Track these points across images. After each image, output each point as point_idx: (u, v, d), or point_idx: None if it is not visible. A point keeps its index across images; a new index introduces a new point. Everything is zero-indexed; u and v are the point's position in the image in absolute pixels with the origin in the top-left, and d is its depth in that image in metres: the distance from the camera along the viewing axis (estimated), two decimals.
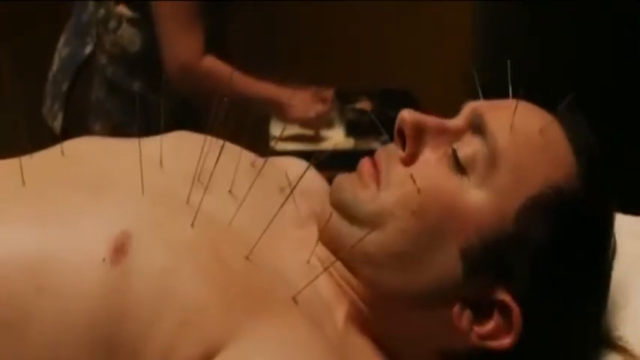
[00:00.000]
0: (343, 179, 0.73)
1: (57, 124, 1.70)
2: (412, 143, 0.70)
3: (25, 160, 0.71)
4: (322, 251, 0.72)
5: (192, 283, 0.63)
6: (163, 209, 0.67)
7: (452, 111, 0.75)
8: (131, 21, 1.67)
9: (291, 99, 1.76)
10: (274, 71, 1.90)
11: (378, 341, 0.71)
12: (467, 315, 0.67)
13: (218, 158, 0.71)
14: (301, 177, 0.72)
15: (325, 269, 0.70)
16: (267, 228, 0.67)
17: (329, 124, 2.00)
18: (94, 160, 0.73)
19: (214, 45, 1.71)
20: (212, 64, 1.66)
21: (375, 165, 0.72)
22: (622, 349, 0.75)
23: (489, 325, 0.67)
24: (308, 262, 0.71)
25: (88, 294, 0.61)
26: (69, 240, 0.64)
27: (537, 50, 1.85)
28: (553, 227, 0.66)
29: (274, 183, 0.77)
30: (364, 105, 2.11)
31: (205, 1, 1.65)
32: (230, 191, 0.73)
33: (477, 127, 0.69)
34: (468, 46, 2.22)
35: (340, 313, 0.70)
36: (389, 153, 0.72)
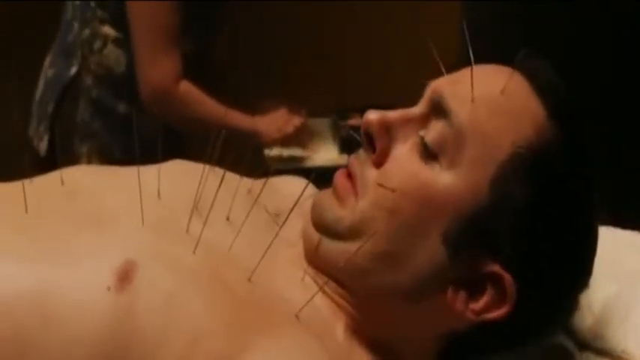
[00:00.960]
0: (322, 197, 0.74)
1: (42, 146, 1.69)
2: (381, 142, 0.70)
3: (26, 185, 0.72)
4: (313, 269, 0.74)
5: (197, 304, 0.64)
6: (164, 238, 0.69)
7: None
8: (116, 41, 1.65)
9: (266, 124, 1.76)
10: (262, 91, 1.91)
11: (381, 344, 0.72)
12: (461, 295, 0.68)
13: (219, 188, 0.72)
14: (299, 197, 0.73)
15: (320, 289, 0.71)
16: (265, 253, 0.69)
17: (311, 139, 2.01)
18: (93, 192, 0.74)
19: (200, 63, 1.70)
20: (188, 89, 1.64)
21: (349, 175, 0.73)
22: None
23: (484, 299, 0.68)
24: (302, 279, 0.73)
25: (95, 322, 0.62)
26: (73, 273, 0.64)
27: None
28: (530, 185, 0.66)
29: (271, 207, 0.78)
30: (357, 121, 2.11)
31: (191, 21, 1.63)
32: (228, 218, 0.74)
33: (439, 108, 0.69)
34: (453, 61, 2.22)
35: (339, 327, 0.72)
36: (361, 160, 0.72)
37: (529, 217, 0.66)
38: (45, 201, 0.71)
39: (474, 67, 0.69)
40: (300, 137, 1.89)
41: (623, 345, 0.78)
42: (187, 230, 0.70)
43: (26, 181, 0.75)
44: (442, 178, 0.67)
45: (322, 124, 2.16)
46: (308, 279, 0.73)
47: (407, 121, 0.71)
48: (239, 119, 1.72)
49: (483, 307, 0.68)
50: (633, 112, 1.61)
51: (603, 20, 1.66)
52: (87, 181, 0.76)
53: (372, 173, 0.71)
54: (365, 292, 0.71)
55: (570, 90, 0.71)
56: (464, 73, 0.71)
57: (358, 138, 0.74)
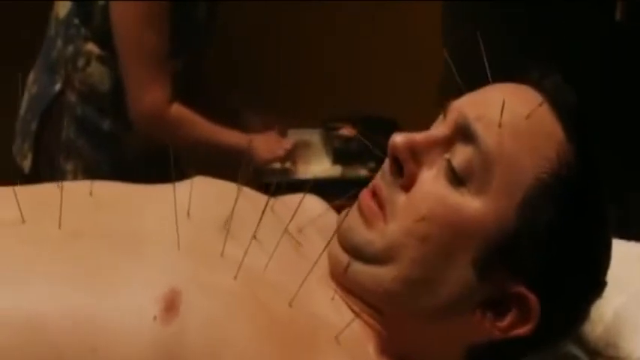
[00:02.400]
0: (348, 218, 0.74)
1: (26, 164, 1.66)
2: (408, 167, 0.71)
3: (54, 190, 0.73)
4: (344, 288, 0.75)
5: (243, 332, 0.65)
6: (203, 263, 0.69)
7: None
8: (100, 59, 1.63)
9: (257, 142, 1.76)
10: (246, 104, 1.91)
11: None
12: (488, 316, 0.71)
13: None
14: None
15: (356, 315, 0.73)
16: (305, 278, 0.70)
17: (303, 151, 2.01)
18: (124, 208, 0.74)
19: (188, 82, 1.68)
20: (180, 112, 1.63)
21: (375, 196, 0.73)
22: None
23: (509, 318, 0.70)
24: (332, 299, 0.74)
25: (142, 353, 0.62)
26: (117, 299, 0.64)
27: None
28: (554, 209, 0.68)
29: (293, 224, 0.78)
30: (348, 131, 2.10)
31: (178, 39, 1.62)
32: (255, 237, 0.73)
33: (465, 133, 0.70)
34: (440, 69, 2.24)
35: (370, 347, 0.73)
36: (388, 182, 0.73)
37: (552, 239, 0.69)
38: (77, 216, 0.71)
39: (494, 86, 0.72)
40: (291, 155, 1.89)
41: (637, 353, 0.80)
42: (222, 253, 0.70)
43: (54, 186, 0.75)
44: (471, 204, 0.69)
45: (312, 135, 2.15)
46: (337, 298, 0.74)
47: (432, 145, 0.71)
48: (231, 138, 1.71)
49: (509, 326, 0.71)
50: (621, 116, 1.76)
51: (572, 18, 1.82)
52: (116, 197, 0.77)
53: (400, 197, 0.72)
54: (394, 314, 0.73)
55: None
56: (486, 94, 0.73)
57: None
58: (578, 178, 0.70)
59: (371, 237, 0.72)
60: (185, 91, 1.65)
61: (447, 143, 0.72)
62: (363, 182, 2.09)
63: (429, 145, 0.71)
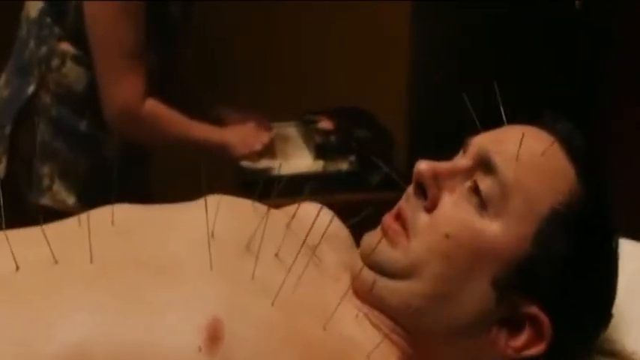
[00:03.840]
0: (370, 239, 0.79)
1: (1, 168, 1.62)
2: (432, 190, 0.76)
3: (76, 228, 0.75)
4: (366, 305, 0.78)
5: None
6: (238, 288, 0.71)
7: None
8: (75, 59, 1.60)
9: (234, 136, 1.72)
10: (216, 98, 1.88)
11: None
12: (502, 334, 0.75)
13: (265, 223, 0.75)
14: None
15: (385, 336, 0.75)
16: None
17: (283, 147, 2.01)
18: (148, 234, 0.76)
19: (163, 80, 1.65)
20: (154, 108, 1.60)
21: (399, 218, 0.78)
22: None
23: (522, 338, 0.75)
24: (357, 316, 0.76)
25: None
26: (161, 329, 0.66)
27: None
28: (567, 239, 0.74)
29: (308, 239, 0.80)
30: (326, 124, 2.08)
31: (153, 37, 1.59)
32: (276, 255, 0.76)
33: (486, 164, 0.76)
34: (407, 59, 2.26)
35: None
36: (411, 205, 0.78)
37: (566, 266, 0.74)
38: (104, 248, 0.72)
39: (512, 127, 0.79)
40: (270, 149, 1.86)
41: (633, 347, 0.84)
42: (253, 276, 0.72)
43: (74, 222, 0.78)
44: (491, 227, 0.74)
45: (290, 129, 2.13)
46: (361, 316, 0.77)
47: (455, 173, 0.77)
48: (207, 133, 1.69)
49: (522, 346, 0.75)
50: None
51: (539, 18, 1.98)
52: (136, 223, 0.78)
53: (423, 218, 0.76)
54: (416, 330, 0.76)
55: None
56: (505, 132, 0.79)
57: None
58: (588, 212, 0.75)
59: (395, 255, 0.76)
60: (160, 90, 1.62)
61: (467, 173, 0.77)
62: (344, 176, 2.09)
63: (452, 174, 0.77)
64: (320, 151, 1.99)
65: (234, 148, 1.71)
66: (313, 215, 0.82)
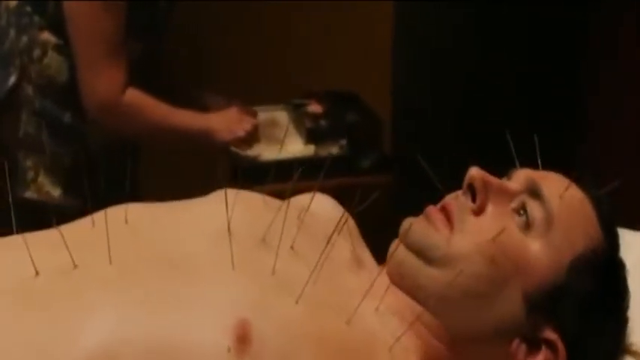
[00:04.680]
0: (415, 225, 0.81)
1: None
2: (481, 196, 0.81)
3: (89, 230, 0.76)
4: (390, 297, 0.78)
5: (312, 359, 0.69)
6: (263, 286, 0.72)
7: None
8: (57, 48, 1.56)
9: (218, 122, 1.69)
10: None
11: None
12: (522, 348, 0.79)
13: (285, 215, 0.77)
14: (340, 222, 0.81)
15: (412, 324, 0.77)
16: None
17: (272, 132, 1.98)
18: (161, 233, 0.77)
19: (146, 66, 1.62)
20: (134, 98, 1.56)
21: (444, 211, 0.81)
22: (636, 354, 0.88)
23: (541, 356, 0.79)
24: (377, 309, 0.77)
25: None
26: (188, 330, 0.67)
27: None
28: (593, 280, 0.80)
29: (321, 231, 0.82)
30: (315, 108, 2.07)
31: (135, 25, 1.55)
32: (292, 247, 0.77)
33: (534, 191, 0.81)
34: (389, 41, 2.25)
35: (416, 357, 0.78)
36: (460, 204, 0.81)
37: (591, 304, 0.80)
38: (121, 248, 0.72)
39: (553, 173, 0.85)
40: (255, 136, 1.82)
41: (630, 338, 0.86)
42: (273, 272, 0.73)
43: (87, 224, 0.78)
44: (534, 245, 0.79)
45: (280, 114, 2.11)
46: (382, 308, 0.78)
47: (504, 191, 0.82)
48: (190, 120, 1.65)
49: None
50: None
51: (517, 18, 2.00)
52: (149, 220, 0.79)
53: (470, 218, 0.80)
54: (446, 323, 0.79)
55: None
56: (548, 173, 0.85)
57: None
58: (609, 264, 0.82)
59: (437, 239, 0.79)
60: (145, 80, 1.59)
61: (514, 195, 0.82)
62: (335, 160, 2.06)
63: (501, 190, 0.81)
64: (311, 136, 1.98)
65: (217, 134, 1.68)
66: (323, 206, 0.86)
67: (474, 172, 0.82)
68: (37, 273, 0.71)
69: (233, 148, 1.91)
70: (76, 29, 1.51)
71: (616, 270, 0.83)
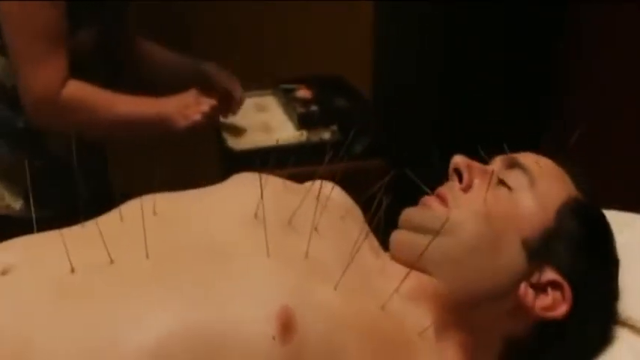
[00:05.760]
0: (413, 210, 0.89)
1: None
2: (467, 175, 0.90)
3: (120, 224, 0.78)
4: (410, 280, 0.81)
5: (353, 343, 0.71)
6: (300, 272, 0.74)
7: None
8: (2, 50, 1.43)
9: (171, 107, 1.52)
10: None
11: (461, 347, 0.84)
12: (530, 292, 0.84)
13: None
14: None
15: (425, 307, 0.82)
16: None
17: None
18: (189, 222, 0.78)
19: (108, 53, 1.53)
20: (74, 91, 1.42)
21: (437, 196, 0.89)
22: (632, 328, 0.91)
23: (548, 299, 0.84)
24: (397, 291, 0.80)
25: None
26: (232, 319, 0.68)
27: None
28: (578, 222, 0.87)
29: (337, 213, 0.88)
30: (304, 93, 2.04)
31: (78, 12, 1.43)
32: (316, 229, 0.81)
33: (513, 164, 0.91)
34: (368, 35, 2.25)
35: (431, 331, 0.82)
36: (449, 186, 0.90)
37: (579, 243, 0.87)
38: (153, 240, 0.73)
39: (526, 152, 0.94)
40: (214, 116, 1.64)
41: (628, 312, 0.90)
42: (307, 255, 0.76)
43: (115, 218, 0.79)
44: (522, 199, 0.87)
45: (269, 99, 2.09)
46: (402, 290, 0.80)
47: (485, 171, 0.91)
48: (139, 107, 1.50)
49: (550, 305, 0.84)
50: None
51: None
52: (175, 210, 0.80)
53: (461, 195, 0.89)
54: (456, 285, 0.83)
55: None
56: (521, 153, 0.94)
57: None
58: (588, 208, 0.90)
59: (433, 215, 0.86)
60: (105, 67, 1.50)
61: (493, 174, 0.90)
62: (328, 146, 2.05)
63: (482, 170, 0.91)
64: (302, 122, 1.95)
65: (171, 121, 1.51)
66: (337, 191, 0.90)
67: (457, 158, 0.91)
68: (72, 269, 0.71)
69: (224, 136, 1.90)
70: (11, 17, 1.38)
71: (596, 214, 0.92)
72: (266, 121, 1.99)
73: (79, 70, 1.43)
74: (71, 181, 1.49)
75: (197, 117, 1.52)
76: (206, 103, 1.54)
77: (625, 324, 0.90)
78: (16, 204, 1.48)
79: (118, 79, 1.54)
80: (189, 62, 1.71)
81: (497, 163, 0.93)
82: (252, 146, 1.85)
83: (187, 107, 1.51)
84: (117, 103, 1.46)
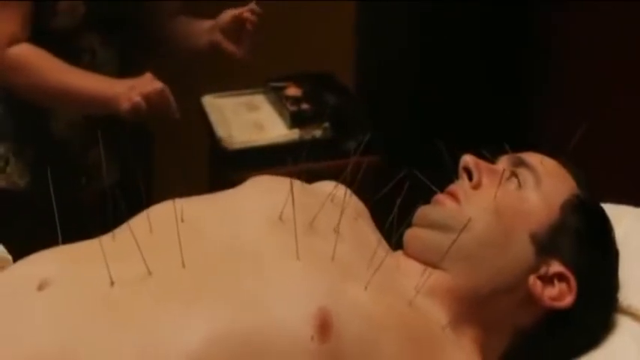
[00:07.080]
0: (427, 208, 0.93)
1: None
2: (477, 174, 0.94)
3: (148, 234, 0.79)
4: (426, 276, 0.85)
5: (389, 341, 0.75)
6: (330, 273, 0.77)
7: None
8: None
9: (120, 88, 1.44)
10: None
11: (475, 339, 0.87)
12: (538, 283, 0.88)
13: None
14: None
15: (442, 303, 0.86)
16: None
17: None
18: (218, 228, 0.82)
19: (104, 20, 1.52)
20: (22, 52, 1.41)
21: (449, 194, 0.93)
22: (633, 316, 0.95)
23: (555, 290, 0.88)
24: (415, 287, 0.84)
25: None
26: (272, 322, 0.71)
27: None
28: (580, 217, 0.92)
29: (351, 213, 0.91)
30: (294, 91, 2.05)
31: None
32: (334, 230, 0.84)
33: (519, 163, 0.96)
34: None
35: (448, 325, 0.84)
36: (460, 185, 0.94)
37: (582, 237, 0.92)
38: (186, 248, 0.75)
39: (530, 152, 0.99)
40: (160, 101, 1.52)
41: (628, 300, 0.95)
42: (333, 257, 0.79)
43: (144, 228, 0.80)
44: (530, 196, 0.92)
45: (259, 97, 2.10)
46: (419, 286, 0.84)
47: (493, 170, 0.95)
48: (88, 83, 1.46)
49: (557, 295, 0.88)
50: None
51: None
52: (202, 216, 0.83)
53: (472, 192, 0.93)
54: (469, 278, 0.87)
55: None
56: (525, 153, 0.98)
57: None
58: (589, 204, 0.95)
59: (449, 212, 0.90)
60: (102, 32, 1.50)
61: (499, 174, 0.94)
62: (321, 143, 2.05)
63: (491, 169, 0.95)
64: (294, 119, 1.96)
65: (116, 101, 1.43)
66: (339, 192, 0.92)
67: (467, 157, 0.95)
68: (112, 283, 0.73)
69: (217, 134, 1.91)
70: None
71: (596, 209, 0.97)
72: (258, 119, 1.99)
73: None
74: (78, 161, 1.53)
75: (137, 99, 1.42)
76: (149, 86, 1.44)
77: (626, 312, 0.94)
78: (21, 181, 1.52)
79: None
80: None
81: (504, 161, 0.97)
82: (246, 145, 1.86)
83: (132, 89, 1.43)
84: (67, 74, 1.43)
